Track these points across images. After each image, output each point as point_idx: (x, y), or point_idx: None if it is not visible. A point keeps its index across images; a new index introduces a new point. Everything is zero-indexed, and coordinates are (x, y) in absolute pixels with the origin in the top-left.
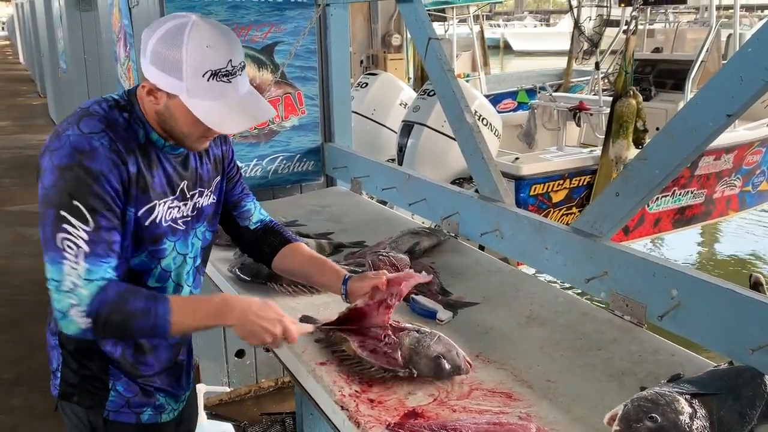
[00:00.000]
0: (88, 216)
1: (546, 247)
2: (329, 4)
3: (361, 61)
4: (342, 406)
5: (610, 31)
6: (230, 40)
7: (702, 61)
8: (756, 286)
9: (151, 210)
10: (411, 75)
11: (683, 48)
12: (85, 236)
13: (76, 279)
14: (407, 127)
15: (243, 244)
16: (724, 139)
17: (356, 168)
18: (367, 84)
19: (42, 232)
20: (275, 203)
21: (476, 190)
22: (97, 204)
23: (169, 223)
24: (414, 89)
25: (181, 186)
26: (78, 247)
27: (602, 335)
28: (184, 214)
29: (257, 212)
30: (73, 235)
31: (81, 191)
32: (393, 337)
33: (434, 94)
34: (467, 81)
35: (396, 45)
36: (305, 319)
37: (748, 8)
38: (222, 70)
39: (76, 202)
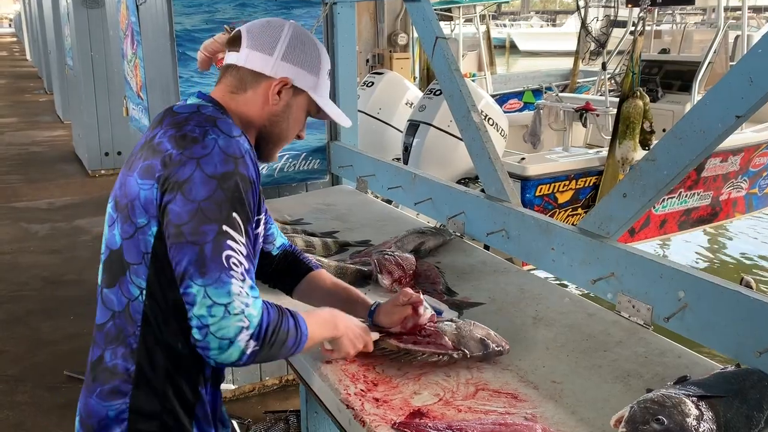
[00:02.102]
0: (243, 228)
1: (552, 247)
2: (336, 3)
3: (367, 60)
4: (347, 405)
5: (617, 32)
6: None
7: (709, 63)
8: (747, 287)
9: (259, 223)
10: (417, 74)
11: (690, 49)
12: (244, 250)
13: (246, 298)
14: (413, 127)
15: (264, 272)
16: (731, 140)
17: (362, 167)
18: (372, 83)
19: (192, 251)
20: (281, 201)
21: (482, 190)
22: (249, 214)
23: (261, 238)
24: (420, 88)
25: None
26: (241, 263)
27: (608, 336)
28: (261, 233)
29: (279, 237)
30: (236, 252)
31: (239, 201)
32: (429, 328)
33: (440, 93)
34: (473, 81)
35: (402, 44)
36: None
37: (756, 10)
38: (330, 70)
39: (235, 215)
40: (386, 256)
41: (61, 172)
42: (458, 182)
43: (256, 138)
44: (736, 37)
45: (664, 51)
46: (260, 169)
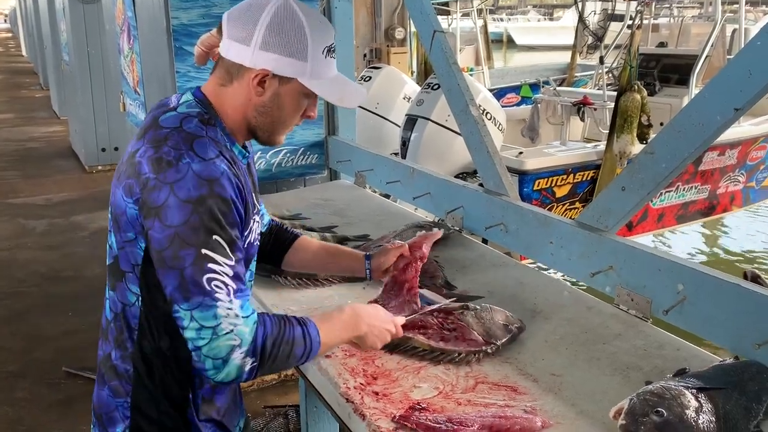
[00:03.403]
0: (227, 251)
1: (551, 241)
2: None
3: (365, 55)
4: (347, 399)
5: (614, 26)
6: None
7: (707, 56)
8: (755, 279)
9: (251, 230)
10: (414, 69)
11: (688, 43)
12: (230, 271)
13: (234, 319)
14: (411, 121)
15: None
16: (729, 134)
17: (360, 161)
18: (370, 78)
19: (174, 278)
20: (279, 196)
21: (480, 184)
22: (233, 234)
23: (256, 241)
24: (417, 83)
25: (257, 194)
26: (226, 285)
27: (607, 329)
28: (260, 230)
29: (266, 215)
30: (219, 274)
31: (218, 224)
32: (451, 320)
33: (438, 87)
34: (471, 75)
35: (399, 38)
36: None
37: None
38: (332, 46)
39: (216, 237)
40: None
41: (58, 168)
42: (456, 177)
43: (252, 128)
44: (734, 31)
45: (661, 44)
46: (255, 164)
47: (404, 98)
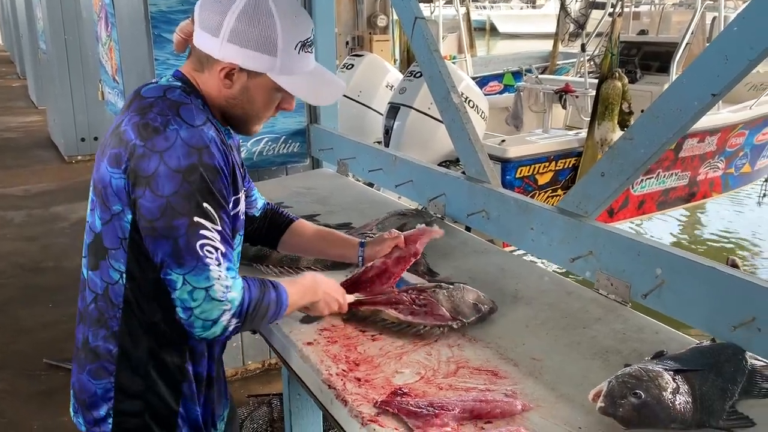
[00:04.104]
0: (215, 216)
1: (531, 227)
2: None
3: (347, 43)
4: (329, 385)
5: (595, 14)
6: (301, 5)
7: (687, 44)
8: (734, 266)
9: (237, 202)
10: (397, 56)
11: (669, 30)
12: (218, 236)
13: (225, 281)
14: (393, 109)
15: (247, 234)
16: (708, 121)
17: (342, 150)
18: (352, 65)
19: (167, 245)
20: (261, 185)
21: (463, 172)
22: (221, 200)
23: (242, 214)
24: (400, 71)
25: (243, 173)
26: (216, 249)
27: (587, 314)
28: (245, 206)
29: (260, 199)
30: (211, 239)
31: (207, 192)
32: (423, 297)
33: (420, 75)
34: (454, 63)
35: (382, 26)
36: None
37: None
38: (308, 40)
39: (205, 205)
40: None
41: (37, 158)
42: (440, 165)
43: (226, 117)
44: (714, 19)
45: (642, 32)
46: (239, 149)
47: (387, 86)
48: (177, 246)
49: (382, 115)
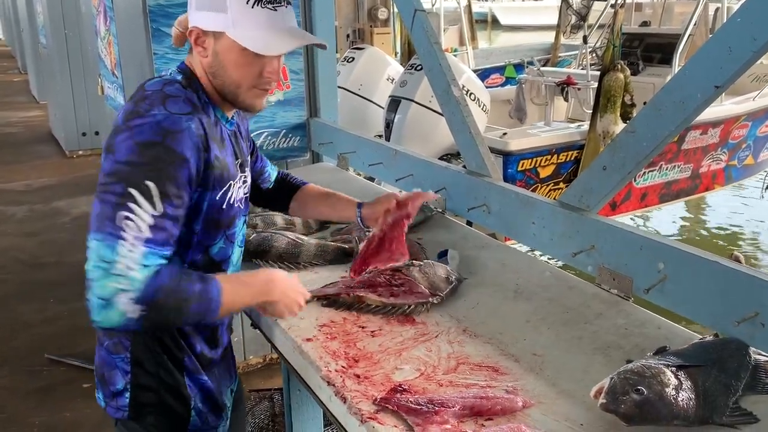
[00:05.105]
0: (156, 200)
1: (533, 221)
2: None
3: (348, 36)
4: (328, 382)
5: (598, 5)
6: None
7: (690, 35)
8: (736, 262)
9: (227, 191)
10: (398, 49)
11: (671, 22)
12: (150, 220)
13: (131, 262)
14: (394, 103)
15: (260, 202)
16: (711, 113)
17: (342, 144)
18: (353, 59)
19: (98, 207)
20: None
21: (464, 166)
22: (170, 189)
23: (239, 202)
24: (401, 64)
25: (242, 162)
26: (139, 229)
27: (589, 309)
28: (245, 192)
29: (273, 172)
30: (137, 216)
31: (157, 172)
32: (398, 276)
33: (421, 68)
34: (455, 56)
35: (383, 19)
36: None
37: None
38: None
39: (149, 182)
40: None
41: (38, 153)
42: (441, 158)
43: (221, 95)
44: (717, 10)
45: (644, 24)
46: (248, 136)
47: (388, 79)
48: (104, 209)
49: (383, 108)
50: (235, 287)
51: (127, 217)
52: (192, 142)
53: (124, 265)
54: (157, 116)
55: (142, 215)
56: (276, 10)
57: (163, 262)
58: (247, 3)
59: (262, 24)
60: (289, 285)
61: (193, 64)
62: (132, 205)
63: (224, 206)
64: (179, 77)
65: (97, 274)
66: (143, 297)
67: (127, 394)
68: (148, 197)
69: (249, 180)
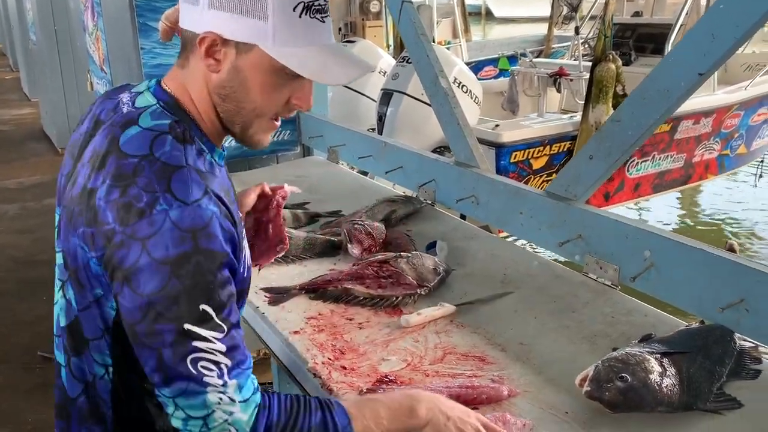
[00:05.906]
0: (218, 320)
1: (521, 211)
2: None
3: (339, 29)
4: (315, 374)
5: None
6: None
7: (681, 25)
8: (730, 250)
9: (243, 251)
10: (390, 42)
11: (663, 12)
12: (222, 347)
13: (228, 405)
14: (386, 96)
15: None
16: (704, 102)
17: (332, 137)
18: None
19: (154, 358)
20: (251, 174)
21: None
22: (224, 296)
23: (250, 266)
24: (393, 57)
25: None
26: (218, 364)
27: (576, 297)
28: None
29: None
30: (207, 351)
31: (206, 288)
32: (386, 268)
33: None
34: (449, 48)
35: (374, 12)
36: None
37: None
38: (316, 4)
39: (203, 306)
40: (356, 226)
41: (30, 150)
42: (434, 151)
43: (222, 119)
44: None
45: (636, 14)
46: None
47: (380, 72)
48: (162, 360)
49: (375, 101)
50: (365, 410)
51: (198, 360)
52: (223, 227)
53: (222, 412)
54: (170, 214)
55: (213, 347)
56: (324, 21)
57: (253, 377)
58: (293, 10)
59: (309, 39)
60: (441, 407)
61: (182, 86)
62: (197, 344)
63: (245, 273)
64: (166, 121)
65: (196, 431)
66: None
67: None
68: (210, 324)
69: None
